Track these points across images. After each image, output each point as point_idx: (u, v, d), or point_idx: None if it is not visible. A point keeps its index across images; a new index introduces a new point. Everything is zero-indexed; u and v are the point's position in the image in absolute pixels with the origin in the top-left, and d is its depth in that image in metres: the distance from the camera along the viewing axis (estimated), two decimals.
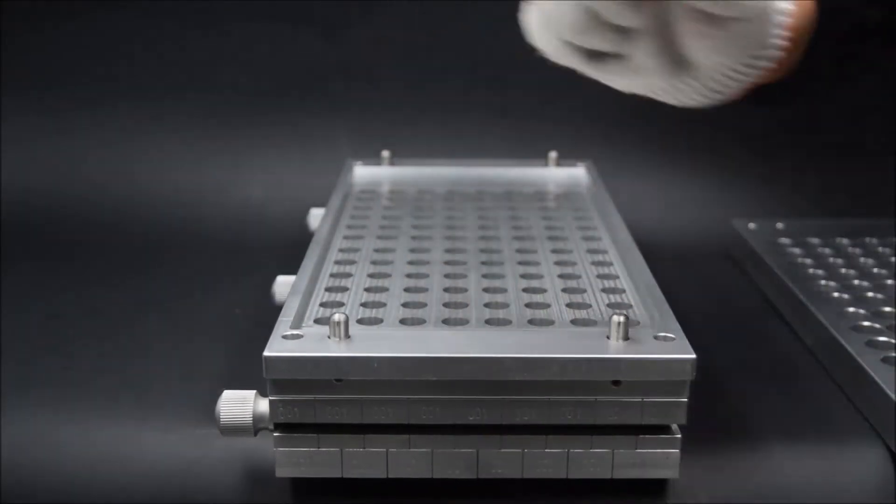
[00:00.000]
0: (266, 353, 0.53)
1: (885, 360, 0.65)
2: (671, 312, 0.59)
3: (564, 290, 0.66)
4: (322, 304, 0.63)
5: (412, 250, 0.74)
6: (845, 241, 0.89)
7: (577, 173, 0.94)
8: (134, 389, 0.67)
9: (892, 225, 0.93)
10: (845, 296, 0.76)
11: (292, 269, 0.68)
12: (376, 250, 0.73)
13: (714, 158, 1.08)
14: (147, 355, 0.73)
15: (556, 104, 1.09)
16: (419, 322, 0.60)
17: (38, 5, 1.08)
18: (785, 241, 0.89)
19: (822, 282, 0.79)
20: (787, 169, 1.08)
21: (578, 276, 0.68)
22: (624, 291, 0.66)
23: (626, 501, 0.57)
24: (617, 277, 0.68)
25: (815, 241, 0.89)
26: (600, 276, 0.68)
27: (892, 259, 0.84)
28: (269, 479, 0.57)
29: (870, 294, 0.76)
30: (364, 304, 0.63)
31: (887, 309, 0.73)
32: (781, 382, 0.69)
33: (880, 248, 0.87)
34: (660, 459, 0.55)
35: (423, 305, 0.63)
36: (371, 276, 0.68)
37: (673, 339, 0.55)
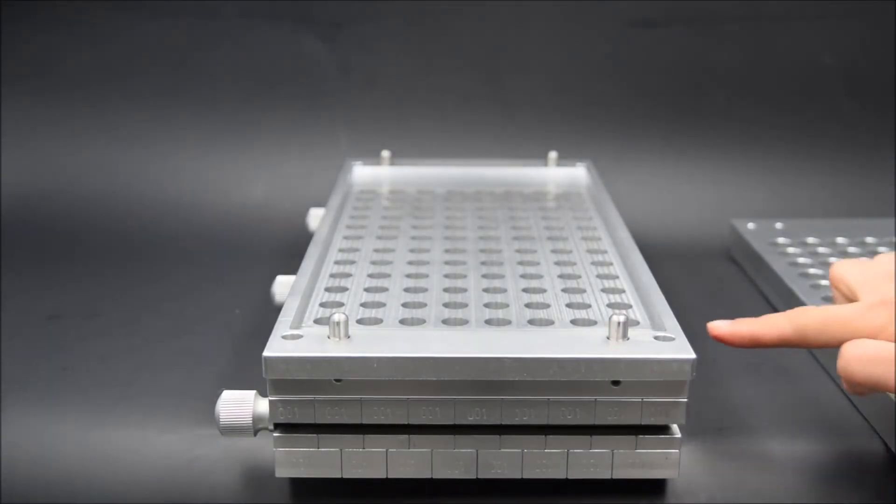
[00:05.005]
0: (266, 353, 0.53)
1: None
2: (671, 312, 0.59)
3: (564, 290, 0.65)
4: (322, 305, 0.63)
5: (412, 250, 0.73)
6: (845, 240, 0.89)
7: (577, 173, 0.94)
8: (133, 389, 0.67)
9: (892, 225, 0.93)
10: None
11: (292, 269, 0.68)
12: (376, 250, 0.73)
13: (714, 158, 1.08)
14: (147, 355, 0.73)
15: (556, 104, 1.09)
16: (419, 322, 0.60)
17: (38, 5, 1.08)
18: (784, 241, 0.89)
19: (822, 282, 0.79)
20: (787, 169, 1.08)
21: (578, 276, 0.68)
22: (624, 291, 0.65)
23: (626, 501, 0.57)
24: (617, 277, 0.68)
25: (814, 241, 0.89)
26: (600, 276, 0.68)
27: None
28: (269, 479, 0.57)
29: None
30: (364, 305, 0.63)
31: None
32: (781, 382, 0.69)
33: (880, 248, 0.87)
34: (659, 460, 0.55)
35: (422, 305, 0.63)
36: (371, 276, 0.68)
37: (673, 339, 0.55)
